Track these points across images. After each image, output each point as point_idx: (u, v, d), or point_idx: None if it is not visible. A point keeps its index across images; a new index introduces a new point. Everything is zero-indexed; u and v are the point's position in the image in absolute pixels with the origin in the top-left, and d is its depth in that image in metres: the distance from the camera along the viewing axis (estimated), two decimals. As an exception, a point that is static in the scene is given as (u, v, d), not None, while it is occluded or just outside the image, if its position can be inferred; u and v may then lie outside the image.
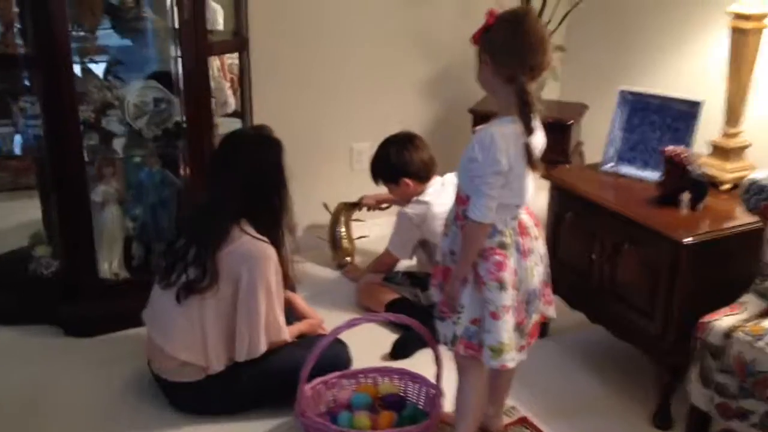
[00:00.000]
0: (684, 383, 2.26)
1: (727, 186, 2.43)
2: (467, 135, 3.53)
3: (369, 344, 2.66)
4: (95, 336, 2.80)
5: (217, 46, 2.88)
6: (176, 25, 2.65)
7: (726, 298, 2.08)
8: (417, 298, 2.91)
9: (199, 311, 2.25)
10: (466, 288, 1.97)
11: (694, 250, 2.13)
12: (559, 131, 3.16)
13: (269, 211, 2.33)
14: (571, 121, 3.17)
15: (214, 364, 2.28)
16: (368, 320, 2.17)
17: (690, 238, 2.13)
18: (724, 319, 1.95)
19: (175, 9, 2.61)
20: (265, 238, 2.29)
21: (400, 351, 2.70)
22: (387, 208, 3.33)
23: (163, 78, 2.92)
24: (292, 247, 2.44)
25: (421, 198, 2.93)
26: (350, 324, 2.13)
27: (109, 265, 2.89)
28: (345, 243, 3.33)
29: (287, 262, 2.38)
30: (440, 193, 2.91)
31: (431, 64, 3.57)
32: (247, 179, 2.29)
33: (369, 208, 3.36)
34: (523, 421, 2.34)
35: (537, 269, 2.01)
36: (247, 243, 2.26)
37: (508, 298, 1.94)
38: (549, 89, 3.33)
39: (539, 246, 2.03)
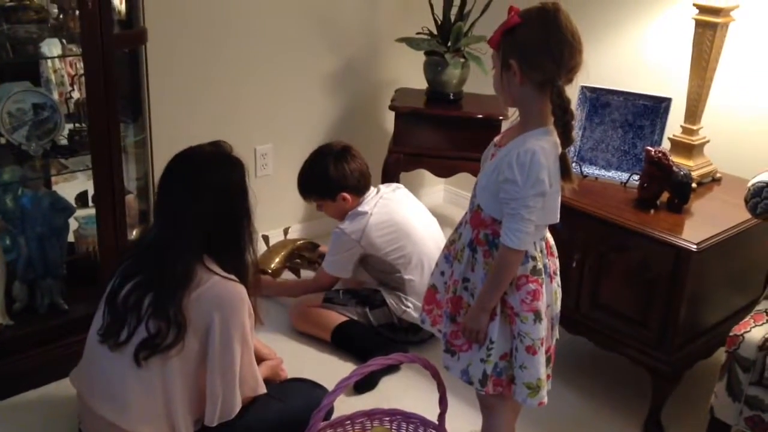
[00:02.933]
0: (678, 390, 2.23)
1: (693, 185, 2.40)
2: (385, 134, 3.36)
3: (323, 378, 2.31)
4: (-12, 405, 2.24)
5: (117, 39, 2.38)
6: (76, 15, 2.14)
7: (726, 298, 2.02)
8: (366, 319, 2.63)
9: (160, 373, 1.83)
10: (494, 321, 1.75)
11: (700, 255, 2.06)
12: (489, 127, 3.01)
13: (235, 244, 1.95)
14: (501, 117, 3.03)
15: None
16: (379, 365, 1.87)
17: (696, 244, 2.06)
18: (753, 331, 1.90)
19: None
20: (233, 277, 1.91)
21: (365, 383, 2.42)
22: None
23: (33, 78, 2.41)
24: (255, 282, 2.07)
25: (359, 209, 2.64)
26: (360, 372, 1.82)
27: (-10, 314, 2.32)
28: (277, 259, 2.94)
29: (256, 303, 2.00)
30: (376, 203, 2.65)
31: (335, 58, 3.28)
32: (213, 207, 1.89)
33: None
34: (523, 449, 2.18)
35: (560, 291, 1.84)
36: (218, 285, 1.87)
37: (544, 329, 1.75)
38: (476, 82, 3.16)
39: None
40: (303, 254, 3.00)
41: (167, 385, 1.84)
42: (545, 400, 1.79)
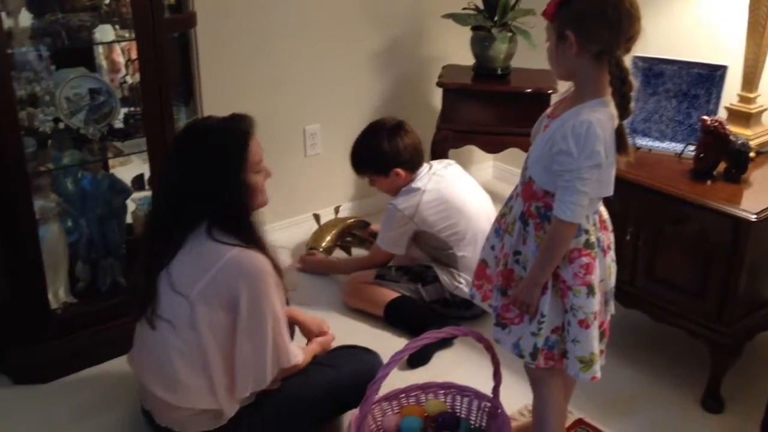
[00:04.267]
0: (737, 363, 2.20)
1: (751, 154, 2.34)
2: (433, 111, 3.35)
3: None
4: (53, 381, 2.32)
5: (168, 23, 2.42)
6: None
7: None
8: (419, 295, 2.65)
9: (197, 348, 1.86)
10: (545, 294, 1.74)
11: (759, 225, 2.02)
12: (538, 101, 2.98)
13: (241, 216, 1.91)
14: (550, 90, 2.99)
15: (227, 407, 1.90)
16: (433, 338, 1.89)
17: (755, 213, 2.01)
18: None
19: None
20: (252, 246, 1.88)
21: (418, 357, 2.44)
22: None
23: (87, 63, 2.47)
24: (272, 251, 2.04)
25: (412, 185, 2.65)
26: (414, 345, 1.83)
27: (55, 293, 2.40)
28: (328, 237, 2.97)
29: (280, 270, 1.97)
30: (429, 179, 2.65)
31: (382, 36, 3.28)
32: (209, 179, 1.86)
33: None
34: (580, 423, 2.18)
35: (614, 266, 1.82)
36: (238, 256, 1.85)
37: (597, 303, 1.74)
38: (524, 57, 3.12)
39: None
40: (354, 232, 3.03)
41: (206, 360, 1.86)
42: (598, 374, 1.77)
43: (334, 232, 2.95)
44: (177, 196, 1.88)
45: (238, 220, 1.90)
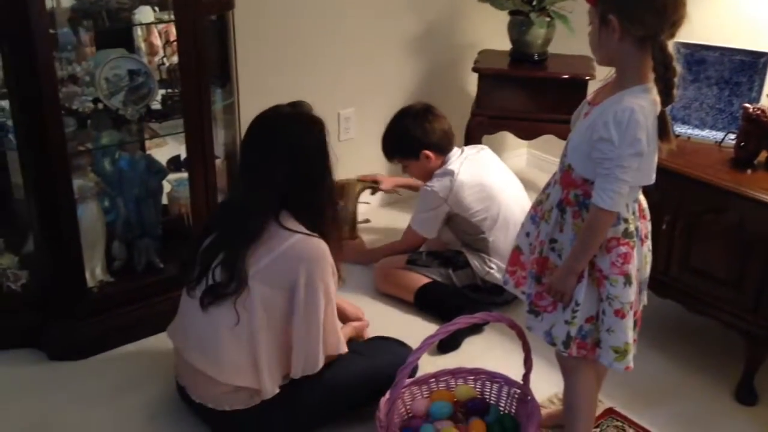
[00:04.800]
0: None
1: (795, 143, 2.29)
2: (468, 97, 3.33)
3: (407, 337, 2.33)
4: (88, 357, 2.37)
5: (206, 6, 2.43)
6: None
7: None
8: (449, 280, 2.64)
9: (247, 325, 1.89)
10: (581, 283, 1.72)
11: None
12: (575, 88, 2.94)
13: (314, 203, 1.99)
14: (588, 77, 2.95)
15: (268, 386, 1.93)
16: (465, 323, 1.89)
17: (796, 205, 1.97)
18: None
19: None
20: (316, 234, 1.95)
21: (449, 343, 2.44)
22: (401, 194, 3.02)
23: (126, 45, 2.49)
24: (337, 239, 2.09)
25: (446, 168, 2.64)
26: (445, 330, 1.84)
27: (92, 271, 2.44)
28: (349, 223, 2.99)
29: (339, 261, 2.04)
30: (462, 162, 2.64)
31: (418, 20, 3.26)
32: (289, 167, 1.92)
33: (384, 192, 3.07)
34: (610, 412, 2.16)
35: (650, 255, 1.80)
36: (301, 242, 1.91)
37: (633, 292, 1.72)
38: (562, 42, 3.08)
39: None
40: (360, 192, 3.02)
41: (254, 338, 1.89)
42: (632, 364, 1.76)
43: (352, 199, 2.95)
44: (257, 184, 1.92)
45: (312, 206, 1.97)
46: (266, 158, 1.93)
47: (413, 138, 2.64)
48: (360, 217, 3.04)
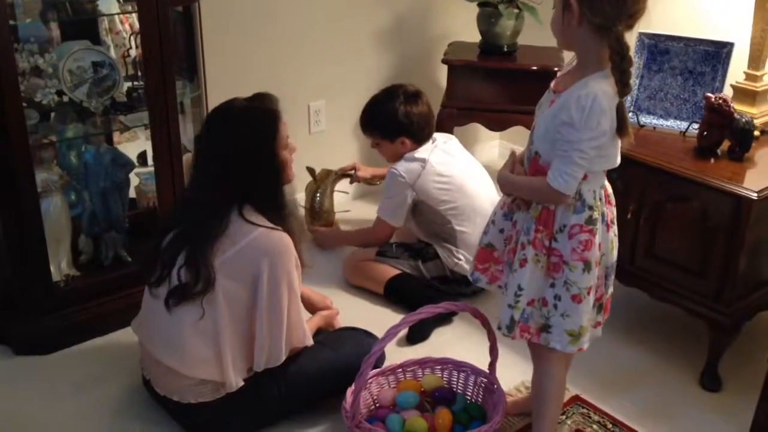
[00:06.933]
0: (735, 342, 2.19)
1: (756, 132, 2.31)
2: (438, 89, 3.33)
3: (376, 330, 2.33)
4: (54, 352, 2.35)
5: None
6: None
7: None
8: (419, 272, 2.65)
9: (212, 320, 1.88)
10: (524, 268, 1.73)
11: (760, 204, 2.00)
12: (544, 79, 2.94)
13: (272, 195, 1.98)
14: (557, 68, 2.96)
15: (233, 379, 1.93)
16: (429, 313, 1.89)
17: (757, 192, 2.00)
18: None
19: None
20: (278, 227, 1.94)
21: (417, 333, 2.44)
22: (378, 184, 3.02)
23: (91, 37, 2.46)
24: (298, 231, 2.09)
25: (415, 154, 2.63)
26: (410, 320, 1.84)
27: (58, 265, 2.42)
28: (326, 213, 2.98)
29: (301, 251, 2.03)
30: (432, 151, 2.64)
31: (387, 12, 3.26)
32: (243, 159, 1.91)
33: (360, 182, 3.07)
34: (577, 399, 2.18)
35: (616, 240, 1.82)
36: (263, 235, 1.90)
37: (593, 278, 1.74)
38: (531, 34, 3.09)
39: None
40: (335, 183, 3.03)
41: (218, 331, 1.89)
42: (585, 346, 1.78)
43: (329, 188, 2.95)
44: (212, 177, 1.91)
45: (270, 198, 1.96)
46: (218, 151, 1.92)
47: (397, 121, 2.62)
48: (338, 208, 3.04)
